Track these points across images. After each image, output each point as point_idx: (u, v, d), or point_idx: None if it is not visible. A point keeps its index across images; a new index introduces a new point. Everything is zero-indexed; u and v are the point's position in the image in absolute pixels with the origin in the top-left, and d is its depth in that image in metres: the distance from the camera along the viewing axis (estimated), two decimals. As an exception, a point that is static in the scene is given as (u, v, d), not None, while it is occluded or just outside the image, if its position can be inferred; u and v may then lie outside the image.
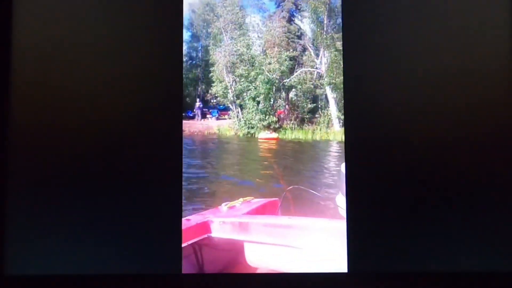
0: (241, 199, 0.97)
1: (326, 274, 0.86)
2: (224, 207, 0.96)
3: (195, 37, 1.19)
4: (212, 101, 1.17)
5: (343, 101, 0.88)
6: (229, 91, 1.12)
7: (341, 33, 0.98)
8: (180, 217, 0.86)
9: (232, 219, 0.94)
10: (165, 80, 0.87)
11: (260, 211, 0.96)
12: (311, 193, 0.93)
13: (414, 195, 0.83)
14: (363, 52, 0.86)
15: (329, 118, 1.03)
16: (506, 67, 0.85)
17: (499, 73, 0.84)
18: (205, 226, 0.94)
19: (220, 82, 1.12)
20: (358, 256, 0.84)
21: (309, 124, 1.06)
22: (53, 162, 0.85)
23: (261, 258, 0.92)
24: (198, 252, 0.92)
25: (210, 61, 1.16)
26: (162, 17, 0.88)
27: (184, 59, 1.21)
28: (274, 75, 1.08)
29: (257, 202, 0.97)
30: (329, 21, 1.03)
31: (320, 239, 0.87)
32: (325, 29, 1.05)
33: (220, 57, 1.12)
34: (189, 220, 0.92)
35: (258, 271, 0.91)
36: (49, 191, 0.84)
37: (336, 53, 1.01)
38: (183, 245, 0.89)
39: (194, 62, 1.20)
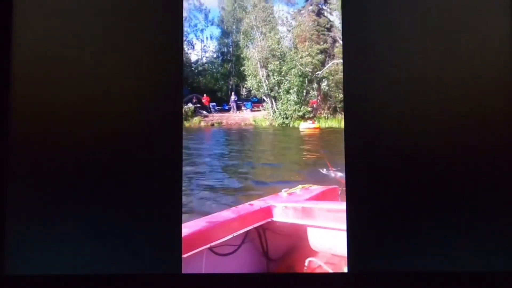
0: (300, 186, 0.99)
1: (326, 274, 0.87)
2: (284, 193, 0.98)
3: (225, 33, 1.24)
4: (243, 94, 1.24)
5: (343, 105, 0.88)
6: (263, 84, 1.18)
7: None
8: (181, 217, 0.86)
9: (294, 204, 0.96)
10: (165, 78, 0.87)
11: (320, 197, 0.97)
12: None
13: (414, 195, 0.83)
14: (363, 51, 0.86)
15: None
16: (506, 66, 0.84)
17: (499, 72, 0.84)
18: (267, 211, 0.96)
19: (254, 76, 1.18)
20: (358, 256, 0.83)
21: (342, 113, 1.13)
22: (53, 161, 0.84)
23: (324, 243, 0.93)
24: (262, 235, 0.95)
25: (242, 56, 1.21)
26: (162, 15, 0.88)
27: (215, 55, 1.27)
28: (307, 68, 1.13)
29: (317, 188, 0.99)
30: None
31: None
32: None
33: (253, 53, 1.17)
34: (252, 205, 0.95)
35: (319, 254, 0.94)
36: (49, 191, 0.84)
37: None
38: (249, 228, 0.92)
39: (225, 57, 1.25)
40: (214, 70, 1.23)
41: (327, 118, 1.14)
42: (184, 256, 0.85)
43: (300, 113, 1.14)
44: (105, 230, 0.84)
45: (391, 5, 0.86)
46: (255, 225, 0.94)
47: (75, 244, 0.84)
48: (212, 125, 1.18)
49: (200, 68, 1.21)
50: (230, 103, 1.21)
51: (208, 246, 0.89)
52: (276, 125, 1.16)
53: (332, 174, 1.01)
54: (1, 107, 0.86)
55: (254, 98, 1.22)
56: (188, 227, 0.89)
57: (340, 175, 0.97)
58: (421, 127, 0.84)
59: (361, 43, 0.86)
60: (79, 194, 0.84)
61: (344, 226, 0.89)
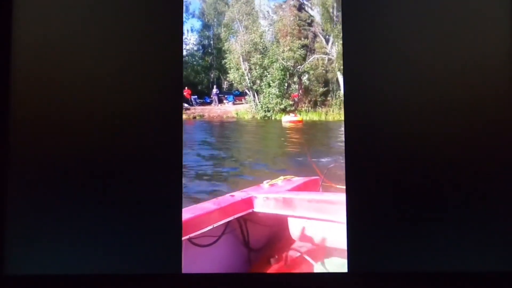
0: (282, 177, 1.00)
1: (326, 274, 0.87)
2: (265, 184, 1.00)
3: (206, 26, 1.24)
4: (224, 87, 1.24)
5: (343, 104, 0.89)
6: (246, 77, 1.19)
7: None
8: (180, 216, 0.86)
9: (275, 195, 0.98)
10: (165, 76, 0.88)
11: (301, 188, 0.99)
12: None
13: (414, 195, 0.84)
14: (363, 49, 0.87)
15: (341, 100, 1.13)
16: (506, 65, 0.85)
17: (499, 71, 0.85)
18: (248, 202, 0.98)
19: (237, 69, 1.19)
20: (358, 256, 0.84)
21: (322, 106, 1.16)
22: (53, 161, 0.85)
23: (305, 233, 0.95)
24: (243, 226, 0.96)
25: (223, 49, 1.22)
26: (162, 14, 0.88)
27: (196, 47, 1.26)
28: (288, 63, 1.16)
29: (298, 180, 1.00)
30: (338, 13, 1.12)
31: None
32: (334, 20, 1.14)
33: (236, 47, 1.18)
34: (233, 196, 0.96)
35: (299, 244, 0.96)
36: (49, 191, 0.84)
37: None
38: (229, 219, 0.93)
39: (206, 50, 1.25)
40: (195, 63, 1.23)
41: (308, 111, 1.17)
42: None
43: (282, 106, 1.16)
44: (105, 230, 0.84)
45: (391, 5, 0.87)
46: (235, 216, 0.95)
47: (75, 244, 0.84)
48: (194, 118, 1.18)
49: (180, 61, 1.21)
50: (212, 96, 1.21)
51: (187, 237, 0.89)
52: (259, 118, 1.18)
53: (314, 165, 1.02)
54: (1, 107, 0.85)
55: (236, 91, 1.23)
56: None
57: (331, 166, 0.99)
58: (421, 126, 0.85)
59: (361, 42, 0.87)
60: (79, 194, 0.84)
61: (324, 216, 0.93)
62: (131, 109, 0.86)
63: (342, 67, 1.12)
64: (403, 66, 0.86)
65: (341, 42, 1.12)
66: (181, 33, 0.89)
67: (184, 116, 1.19)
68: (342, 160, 0.95)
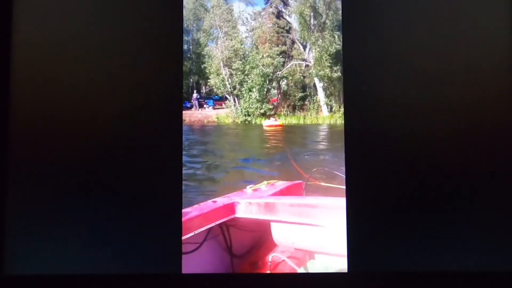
0: (265, 182, 1.00)
1: (326, 274, 0.87)
2: (249, 189, 1.00)
3: (185, 31, 1.25)
4: (203, 92, 1.26)
5: (344, 104, 0.89)
6: (227, 83, 1.22)
7: (325, 32, 1.13)
8: (180, 216, 0.86)
9: (258, 200, 0.96)
10: (165, 76, 0.88)
11: (284, 193, 0.99)
12: (334, 173, 0.96)
13: (414, 194, 0.84)
14: (362, 49, 0.88)
15: (318, 105, 1.19)
16: (506, 65, 0.86)
17: (499, 71, 0.85)
18: (231, 208, 0.96)
19: (217, 75, 1.21)
20: (358, 256, 0.83)
21: (300, 110, 1.21)
22: (53, 161, 0.85)
23: (288, 237, 0.94)
24: (225, 232, 0.95)
25: (202, 53, 1.23)
26: (162, 15, 0.89)
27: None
28: (267, 69, 1.20)
29: (282, 184, 1.00)
30: (315, 21, 1.18)
31: (345, 217, 0.86)
32: (311, 28, 1.19)
33: (217, 52, 1.20)
34: (215, 202, 0.95)
35: (282, 249, 0.95)
36: (49, 191, 0.84)
37: (319, 49, 1.16)
38: (211, 225, 0.91)
39: (185, 55, 1.26)
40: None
41: (287, 115, 1.21)
42: None
43: (262, 111, 1.20)
44: (105, 230, 0.84)
45: (391, 5, 0.88)
46: (217, 222, 0.95)
47: (75, 244, 0.83)
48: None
49: (160, 65, 1.21)
50: (192, 101, 1.23)
51: None
52: (239, 122, 1.21)
53: (296, 167, 1.05)
54: (1, 107, 0.85)
55: (216, 96, 1.25)
56: None
57: (314, 170, 1.01)
58: (421, 126, 0.84)
59: (361, 43, 0.87)
60: (79, 194, 0.84)
61: (306, 220, 0.93)
62: (131, 109, 0.86)
63: (320, 72, 1.19)
64: (403, 67, 0.87)
65: (317, 49, 1.18)
66: (181, 34, 0.89)
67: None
68: (325, 158, 0.99)
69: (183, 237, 0.90)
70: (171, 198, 0.85)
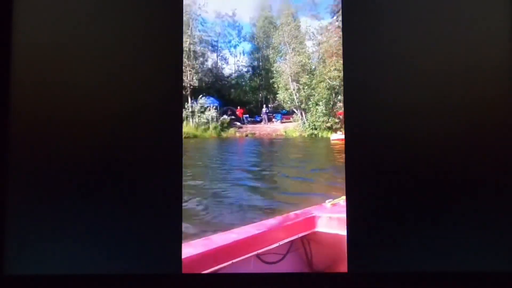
0: (343, 197, 0.94)
1: (326, 274, 0.87)
2: (328, 204, 0.99)
3: (256, 48, 1.32)
4: (271, 106, 1.31)
5: (344, 105, 0.88)
6: (294, 97, 1.26)
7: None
8: (181, 217, 0.86)
9: (338, 215, 0.93)
10: (165, 76, 0.87)
11: None
12: None
13: (414, 195, 0.84)
14: (363, 51, 0.87)
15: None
16: (506, 66, 0.85)
17: (499, 72, 0.85)
18: (311, 221, 0.98)
19: (286, 90, 1.26)
20: (358, 256, 0.83)
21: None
22: (53, 161, 0.85)
23: None
24: (306, 246, 0.96)
25: (272, 69, 1.29)
26: (163, 15, 0.88)
27: (246, 69, 1.35)
28: (334, 82, 1.21)
29: None
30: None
31: None
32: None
33: (285, 68, 1.25)
34: (296, 215, 0.97)
35: None
36: (49, 191, 0.84)
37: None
38: (293, 237, 0.93)
39: (255, 71, 1.33)
40: (244, 83, 1.31)
41: (354, 128, 1.21)
42: (234, 261, 0.89)
43: (328, 124, 1.22)
44: (105, 230, 0.84)
45: (391, 5, 0.87)
46: (299, 235, 0.97)
47: (75, 244, 0.84)
48: (246, 135, 1.26)
49: (232, 82, 1.29)
50: (261, 115, 1.29)
51: (255, 253, 0.92)
52: (306, 136, 1.24)
53: None
54: (1, 107, 0.85)
55: (284, 110, 1.30)
56: (236, 233, 0.93)
57: None
58: (421, 127, 0.85)
59: (361, 43, 0.87)
60: (79, 194, 0.84)
61: None
62: (131, 109, 0.86)
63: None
64: (403, 67, 0.86)
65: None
66: (181, 34, 0.89)
67: (237, 134, 1.28)
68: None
69: (270, 247, 0.95)
70: (171, 198, 0.85)
